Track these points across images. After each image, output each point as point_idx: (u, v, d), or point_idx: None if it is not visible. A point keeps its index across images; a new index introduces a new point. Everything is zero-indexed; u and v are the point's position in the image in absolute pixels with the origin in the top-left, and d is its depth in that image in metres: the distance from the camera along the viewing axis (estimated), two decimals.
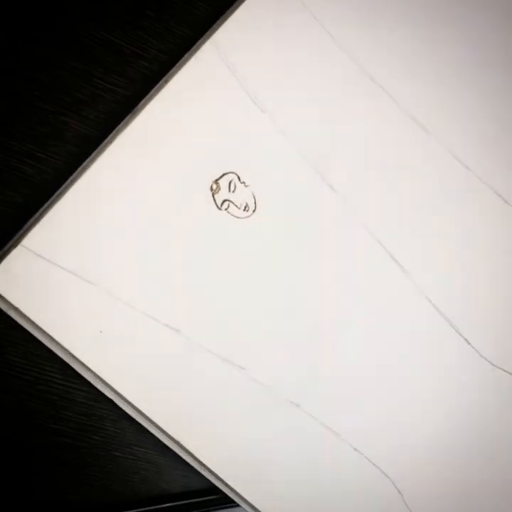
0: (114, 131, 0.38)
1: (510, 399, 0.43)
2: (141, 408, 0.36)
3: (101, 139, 0.38)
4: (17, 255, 0.35)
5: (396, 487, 0.41)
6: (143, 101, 0.39)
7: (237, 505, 0.39)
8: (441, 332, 0.43)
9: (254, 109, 0.40)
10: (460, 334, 0.43)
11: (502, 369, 0.44)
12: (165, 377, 0.37)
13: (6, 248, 0.36)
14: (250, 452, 0.38)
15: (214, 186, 0.39)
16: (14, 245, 0.35)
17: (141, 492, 0.39)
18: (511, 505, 0.43)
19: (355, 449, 0.40)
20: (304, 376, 0.40)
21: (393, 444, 0.41)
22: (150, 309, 0.37)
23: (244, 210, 0.40)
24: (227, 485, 0.38)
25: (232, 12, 0.40)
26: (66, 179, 0.38)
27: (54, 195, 0.37)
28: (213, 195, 0.39)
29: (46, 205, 0.37)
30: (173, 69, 0.40)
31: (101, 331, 0.36)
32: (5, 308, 0.36)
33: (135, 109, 0.39)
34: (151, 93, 0.39)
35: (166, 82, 0.38)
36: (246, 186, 0.40)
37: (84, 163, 0.38)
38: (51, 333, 0.35)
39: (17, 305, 0.35)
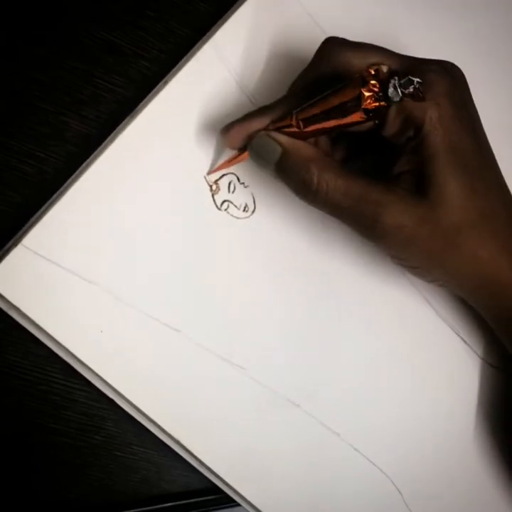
0: (115, 132, 0.38)
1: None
2: (141, 408, 0.36)
3: (101, 139, 0.38)
4: (17, 255, 0.35)
5: (396, 487, 0.41)
6: (143, 101, 0.39)
7: (238, 505, 0.39)
8: (441, 332, 0.43)
9: (253, 109, 0.40)
10: (457, 334, 0.43)
11: (498, 368, 0.44)
12: (165, 377, 0.37)
13: (6, 247, 0.36)
14: (250, 452, 0.38)
15: (214, 187, 0.39)
16: (15, 245, 0.35)
17: (141, 492, 0.39)
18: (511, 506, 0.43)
19: (355, 448, 0.40)
20: (304, 376, 0.40)
21: (393, 444, 0.41)
22: (150, 309, 0.37)
23: (244, 210, 0.40)
24: (227, 484, 0.38)
25: (232, 13, 0.40)
26: (66, 179, 0.38)
27: (54, 195, 0.37)
28: (213, 196, 0.39)
29: (47, 204, 0.37)
30: (174, 69, 0.40)
31: (101, 331, 0.36)
32: (5, 307, 0.36)
33: (135, 109, 0.39)
34: (151, 93, 0.39)
35: (166, 82, 0.39)
36: (245, 187, 0.40)
37: (84, 163, 0.38)
38: (52, 333, 0.35)
39: (17, 304, 0.35)
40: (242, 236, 0.39)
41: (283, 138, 0.34)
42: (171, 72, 0.39)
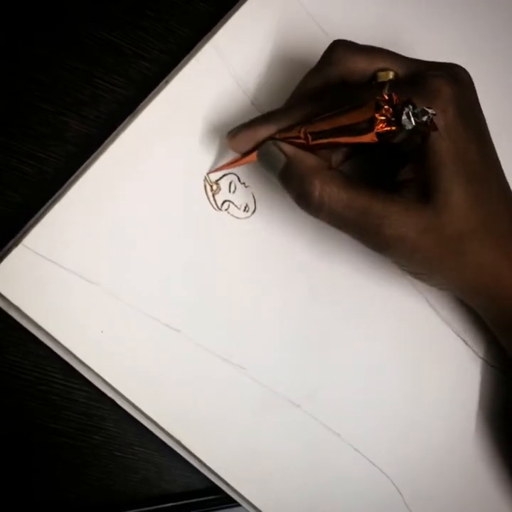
0: (115, 132, 0.38)
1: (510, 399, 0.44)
2: (142, 408, 0.36)
3: (101, 139, 0.38)
4: (18, 255, 0.35)
5: (396, 487, 0.41)
6: (143, 101, 0.39)
7: (238, 505, 0.39)
8: (441, 333, 0.43)
9: (254, 110, 0.40)
10: (458, 335, 0.43)
11: (500, 369, 0.44)
12: (166, 377, 0.37)
13: (6, 248, 0.36)
14: (251, 452, 0.38)
15: (214, 187, 0.39)
16: (15, 245, 0.35)
17: (141, 492, 0.39)
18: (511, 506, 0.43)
19: (355, 449, 0.40)
20: (304, 376, 0.40)
21: (393, 444, 0.41)
22: (151, 309, 0.37)
23: (244, 210, 0.40)
24: (227, 484, 0.38)
25: (232, 13, 0.40)
26: (67, 179, 0.37)
27: (55, 195, 0.37)
28: (213, 196, 0.39)
29: (47, 204, 0.37)
30: (174, 69, 0.40)
31: (102, 331, 0.36)
32: (6, 307, 0.36)
33: (136, 109, 0.39)
34: (151, 93, 0.39)
35: (167, 82, 0.39)
36: (246, 187, 0.40)
37: (84, 164, 0.38)
38: (52, 333, 0.35)
39: (18, 304, 0.35)
40: (242, 236, 0.39)
41: (287, 148, 0.34)
42: (172, 72, 0.39)
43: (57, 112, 0.39)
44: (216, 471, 0.38)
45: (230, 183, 0.39)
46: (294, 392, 0.39)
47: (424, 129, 0.31)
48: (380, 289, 0.42)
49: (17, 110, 0.38)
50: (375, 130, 0.30)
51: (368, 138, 0.31)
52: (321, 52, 0.36)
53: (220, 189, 0.39)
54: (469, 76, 0.35)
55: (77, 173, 0.38)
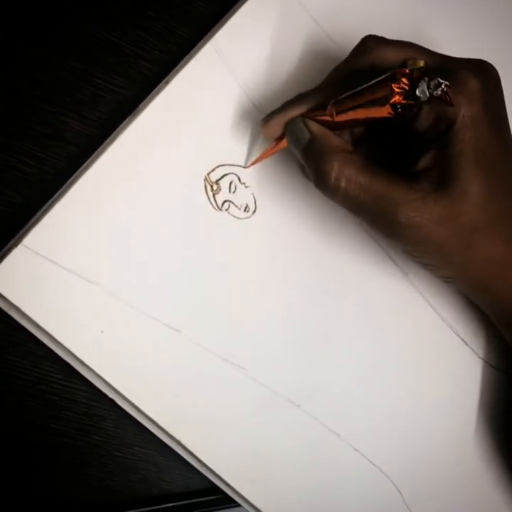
0: (115, 132, 0.38)
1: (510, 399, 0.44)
2: (142, 408, 0.36)
3: (101, 139, 0.38)
4: (18, 255, 0.35)
5: (396, 487, 0.41)
6: (144, 101, 0.39)
7: (238, 505, 0.39)
8: (442, 333, 0.43)
9: (254, 110, 0.40)
10: (457, 335, 0.43)
11: (500, 369, 0.44)
12: (166, 377, 0.37)
13: (7, 248, 0.36)
14: (251, 452, 0.38)
15: (214, 187, 0.39)
16: (15, 245, 0.35)
17: (141, 492, 0.39)
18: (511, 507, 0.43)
19: (355, 449, 0.40)
20: (305, 376, 0.40)
21: (393, 444, 0.41)
22: (151, 309, 0.37)
23: (245, 210, 0.40)
24: (228, 485, 0.38)
25: (233, 13, 0.40)
26: (67, 179, 0.38)
27: (55, 195, 0.37)
28: (214, 196, 0.39)
29: (47, 205, 0.37)
30: (174, 69, 0.40)
31: (102, 331, 0.36)
32: (6, 307, 0.36)
33: (136, 109, 0.39)
34: (151, 93, 0.39)
35: (167, 82, 0.39)
36: (246, 187, 0.40)
37: (85, 164, 0.38)
38: (52, 333, 0.35)
39: (18, 304, 0.35)
40: (242, 236, 0.39)
41: (313, 125, 0.35)
42: (172, 73, 0.39)
43: (57, 112, 0.39)
44: (216, 471, 0.38)
45: (231, 183, 0.39)
46: (294, 392, 0.39)
47: (442, 103, 0.31)
48: (380, 290, 0.42)
49: (17, 110, 0.38)
50: (391, 101, 0.31)
51: (385, 111, 0.32)
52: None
53: (220, 189, 0.39)
54: (497, 73, 0.35)
55: (77, 173, 0.38)
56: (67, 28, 0.40)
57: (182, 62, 0.40)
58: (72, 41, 0.40)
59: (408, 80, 0.31)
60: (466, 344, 0.44)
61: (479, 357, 0.44)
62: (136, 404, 0.36)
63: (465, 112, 0.33)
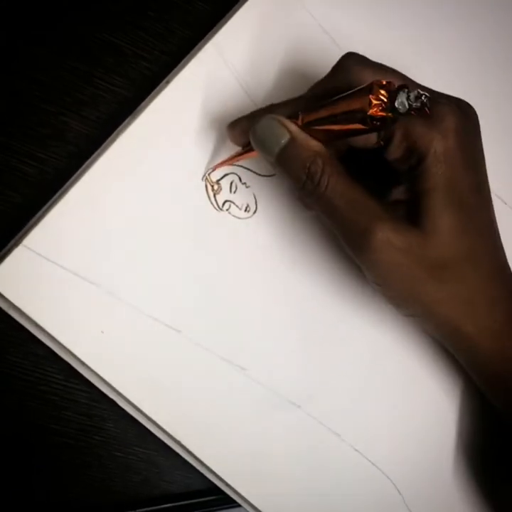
0: (115, 132, 0.38)
1: None
2: (142, 408, 0.36)
3: (102, 139, 0.38)
4: (18, 255, 0.35)
5: (397, 488, 0.41)
6: (144, 101, 0.39)
7: (239, 506, 0.39)
8: None
9: (255, 109, 0.40)
10: None
11: None
12: (166, 378, 0.37)
13: (7, 248, 0.36)
14: (251, 452, 0.38)
15: (215, 187, 0.39)
16: (15, 245, 0.35)
17: (142, 492, 0.39)
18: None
19: (355, 449, 0.40)
20: (305, 377, 0.40)
21: (394, 445, 0.41)
22: (151, 309, 0.37)
23: (246, 210, 0.40)
24: (228, 485, 0.38)
25: (233, 13, 0.40)
26: (67, 179, 0.37)
27: (55, 196, 0.37)
28: (214, 196, 0.39)
29: (47, 205, 0.37)
30: (175, 69, 0.40)
31: (102, 332, 0.36)
32: (6, 308, 0.36)
33: (136, 109, 0.39)
34: (152, 93, 0.39)
35: (168, 82, 0.39)
36: (247, 187, 0.40)
37: (85, 164, 0.38)
38: (52, 333, 0.35)
39: (18, 305, 0.35)
40: (243, 236, 0.39)
41: (292, 125, 0.34)
42: (172, 72, 0.40)
43: (57, 113, 0.39)
44: (216, 471, 0.38)
45: (231, 183, 0.39)
46: (295, 393, 0.39)
47: (420, 114, 0.31)
48: None
49: (17, 110, 0.38)
50: (369, 113, 0.30)
51: (360, 123, 0.31)
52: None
53: (221, 189, 0.39)
54: (475, 112, 0.35)
55: (77, 173, 0.38)
56: (67, 28, 0.40)
57: (182, 62, 0.40)
58: (72, 41, 0.40)
59: (386, 91, 0.30)
60: None
61: None
62: (137, 404, 0.36)
63: (437, 146, 0.32)
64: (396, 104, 0.30)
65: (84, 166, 0.38)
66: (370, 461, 0.41)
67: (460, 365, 0.39)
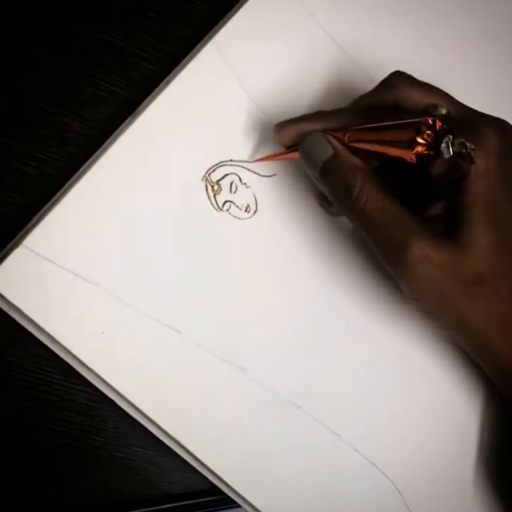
0: (116, 133, 0.38)
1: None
2: (142, 409, 0.36)
3: (102, 140, 0.38)
4: (19, 256, 0.35)
5: (397, 488, 0.41)
6: (145, 102, 0.39)
7: (238, 506, 0.39)
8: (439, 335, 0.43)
9: (255, 110, 0.40)
10: None
11: None
12: (166, 378, 0.37)
13: (7, 248, 0.36)
14: (251, 453, 0.38)
15: (215, 187, 0.39)
16: (16, 246, 0.35)
17: (142, 493, 0.39)
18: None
19: (355, 450, 0.40)
20: (305, 377, 0.40)
21: (394, 445, 0.41)
22: (151, 310, 0.37)
23: (246, 211, 0.40)
24: (228, 485, 0.38)
25: (233, 13, 0.40)
26: (67, 180, 0.37)
27: (55, 196, 0.37)
28: (215, 196, 0.39)
29: (48, 205, 0.37)
30: (175, 70, 0.40)
31: (102, 332, 0.36)
32: (6, 308, 0.36)
33: (137, 109, 0.39)
34: (152, 94, 0.39)
35: (168, 83, 0.39)
36: (247, 187, 0.40)
37: (85, 164, 0.38)
38: (52, 334, 0.35)
39: (18, 305, 0.35)
40: (243, 237, 0.39)
41: (336, 143, 0.35)
42: (173, 73, 0.40)
43: (58, 113, 0.39)
44: (216, 471, 0.38)
45: (231, 184, 0.39)
46: (295, 393, 0.39)
47: (461, 161, 0.32)
48: (381, 290, 0.42)
49: (18, 111, 0.38)
50: (414, 151, 0.31)
51: (406, 156, 0.32)
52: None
53: (221, 189, 0.39)
54: None
55: (77, 174, 0.38)
56: (67, 28, 0.40)
57: (183, 63, 0.40)
58: (73, 41, 0.40)
59: (432, 132, 0.31)
60: None
61: None
62: (137, 405, 0.36)
63: (480, 164, 0.33)
64: (441, 149, 0.31)
65: (84, 167, 0.38)
66: (370, 461, 0.41)
67: (461, 366, 0.39)
